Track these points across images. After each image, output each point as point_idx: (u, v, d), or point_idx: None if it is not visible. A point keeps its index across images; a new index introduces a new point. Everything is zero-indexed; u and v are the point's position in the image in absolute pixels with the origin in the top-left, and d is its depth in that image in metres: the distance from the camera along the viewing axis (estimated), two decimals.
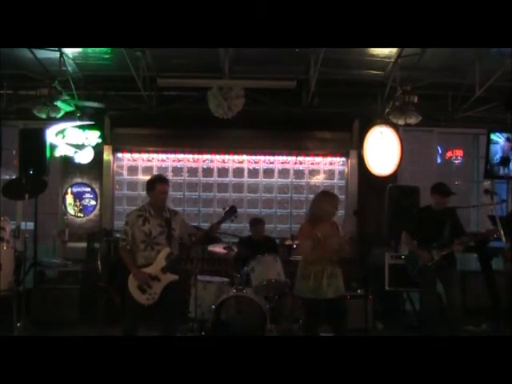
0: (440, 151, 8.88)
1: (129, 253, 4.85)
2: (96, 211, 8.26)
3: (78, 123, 7.61)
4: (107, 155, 8.25)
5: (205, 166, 8.54)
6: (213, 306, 5.97)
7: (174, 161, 8.52)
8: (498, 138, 7.69)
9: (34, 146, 7.14)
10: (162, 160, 8.51)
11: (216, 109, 7.43)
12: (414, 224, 5.95)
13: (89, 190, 8.25)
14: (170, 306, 4.81)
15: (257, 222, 6.98)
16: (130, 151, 8.46)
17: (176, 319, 4.99)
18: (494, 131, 7.72)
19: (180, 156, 8.50)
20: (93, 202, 8.25)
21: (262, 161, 8.55)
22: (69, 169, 8.19)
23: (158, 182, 4.91)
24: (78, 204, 8.22)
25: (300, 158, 8.54)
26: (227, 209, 5.10)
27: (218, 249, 6.55)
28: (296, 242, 6.74)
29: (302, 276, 4.88)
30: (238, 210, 5.12)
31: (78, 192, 8.24)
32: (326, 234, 4.80)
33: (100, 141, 7.78)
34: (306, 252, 4.84)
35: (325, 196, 5.07)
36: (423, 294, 6.03)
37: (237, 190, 8.54)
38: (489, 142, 7.67)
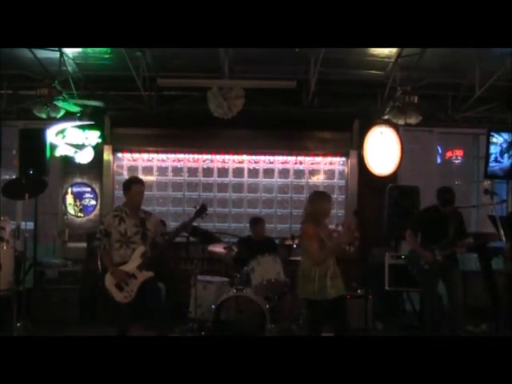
0: (440, 151, 8.87)
1: (106, 252, 5.00)
2: (96, 211, 8.25)
3: (78, 123, 7.61)
4: (107, 155, 8.25)
5: (205, 166, 8.53)
6: (213, 306, 5.98)
7: (174, 161, 8.51)
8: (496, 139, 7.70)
9: (34, 145, 7.13)
10: (162, 160, 8.50)
11: (216, 109, 7.44)
12: (418, 223, 5.97)
13: (89, 189, 8.25)
14: (153, 303, 4.94)
15: (256, 222, 6.99)
16: (130, 151, 8.45)
17: (163, 313, 5.07)
18: (494, 131, 7.71)
19: (180, 156, 8.49)
20: (93, 202, 8.25)
21: (262, 161, 8.55)
22: (69, 169, 8.18)
23: (133, 184, 5.10)
24: (78, 204, 8.22)
25: (300, 158, 8.54)
26: (198, 207, 5.26)
27: (218, 249, 6.56)
28: (296, 242, 6.75)
29: (306, 278, 4.83)
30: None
31: (78, 192, 8.24)
32: (326, 233, 4.82)
33: (100, 141, 7.78)
34: (315, 253, 4.81)
35: (321, 196, 5.07)
36: (424, 294, 6.04)
37: (237, 189, 8.53)
38: (489, 142, 7.67)
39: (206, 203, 5.39)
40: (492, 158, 7.67)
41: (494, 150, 7.68)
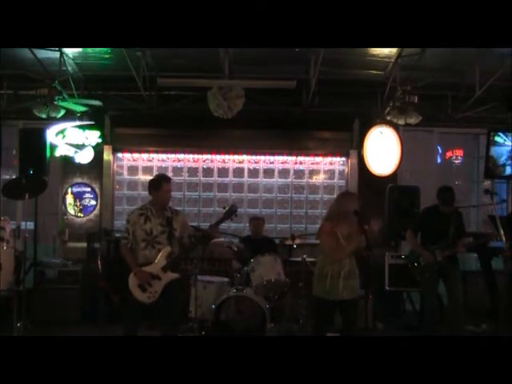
0: (440, 151, 8.87)
1: (130, 251, 4.86)
2: (96, 211, 8.26)
3: (78, 123, 7.61)
4: (107, 155, 8.26)
5: (205, 166, 8.54)
6: (213, 306, 5.97)
7: (174, 161, 8.53)
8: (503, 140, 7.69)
9: (34, 145, 7.12)
10: (162, 160, 8.51)
11: (216, 109, 7.43)
12: (418, 223, 5.96)
13: (89, 189, 8.26)
14: (171, 305, 4.81)
15: (254, 219, 7.03)
16: (130, 151, 8.47)
17: (176, 318, 5.00)
18: (494, 131, 7.71)
19: (180, 156, 8.51)
20: (93, 202, 8.26)
21: (262, 161, 8.56)
22: (69, 169, 8.19)
23: (164, 182, 4.91)
24: (78, 204, 8.23)
25: (300, 158, 8.55)
26: (227, 208, 5.07)
27: (219, 248, 6.56)
28: (296, 242, 6.76)
29: (319, 276, 4.84)
30: (238, 210, 5.10)
31: (78, 192, 8.25)
32: (346, 233, 4.79)
33: (100, 141, 7.78)
34: (328, 251, 4.81)
35: (347, 196, 5.07)
36: (424, 294, 6.04)
37: (237, 189, 8.54)
38: (489, 141, 7.67)
39: (235, 204, 5.15)
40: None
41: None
